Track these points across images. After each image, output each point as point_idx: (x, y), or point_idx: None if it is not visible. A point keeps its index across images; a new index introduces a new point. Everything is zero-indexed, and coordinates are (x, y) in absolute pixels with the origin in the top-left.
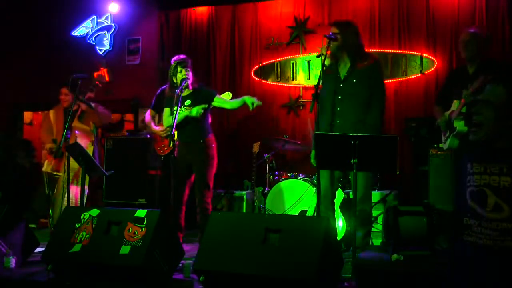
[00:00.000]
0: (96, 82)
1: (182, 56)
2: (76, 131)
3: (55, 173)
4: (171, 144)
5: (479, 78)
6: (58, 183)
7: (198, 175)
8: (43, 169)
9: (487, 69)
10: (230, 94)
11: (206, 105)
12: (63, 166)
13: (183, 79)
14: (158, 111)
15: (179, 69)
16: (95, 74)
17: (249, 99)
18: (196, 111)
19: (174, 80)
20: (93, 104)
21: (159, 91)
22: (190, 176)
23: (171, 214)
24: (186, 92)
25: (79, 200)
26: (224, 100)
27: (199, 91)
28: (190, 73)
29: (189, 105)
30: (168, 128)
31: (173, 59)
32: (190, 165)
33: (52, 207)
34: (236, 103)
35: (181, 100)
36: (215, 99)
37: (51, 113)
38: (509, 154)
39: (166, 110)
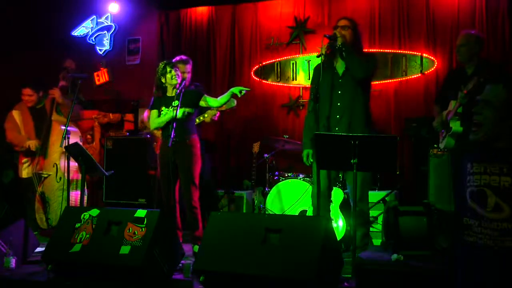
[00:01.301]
0: (68, 68)
1: (183, 57)
2: (62, 126)
3: (44, 172)
4: (171, 144)
5: (472, 80)
6: (48, 182)
7: (184, 175)
8: (23, 175)
9: (484, 69)
10: (234, 101)
11: (192, 110)
12: (48, 164)
13: (183, 79)
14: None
15: (168, 69)
16: (67, 63)
17: (235, 89)
18: (181, 113)
19: (163, 81)
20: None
21: None
22: (177, 175)
23: (171, 214)
24: (174, 93)
25: (78, 202)
26: (212, 98)
27: (187, 92)
28: (180, 74)
29: (176, 106)
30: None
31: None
32: (175, 164)
33: (48, 206)
34: (223, 98)
35: (167, 101)
36: (202, 99)
37: (15, 113)
38: (509, 154)
39: (154, 112)
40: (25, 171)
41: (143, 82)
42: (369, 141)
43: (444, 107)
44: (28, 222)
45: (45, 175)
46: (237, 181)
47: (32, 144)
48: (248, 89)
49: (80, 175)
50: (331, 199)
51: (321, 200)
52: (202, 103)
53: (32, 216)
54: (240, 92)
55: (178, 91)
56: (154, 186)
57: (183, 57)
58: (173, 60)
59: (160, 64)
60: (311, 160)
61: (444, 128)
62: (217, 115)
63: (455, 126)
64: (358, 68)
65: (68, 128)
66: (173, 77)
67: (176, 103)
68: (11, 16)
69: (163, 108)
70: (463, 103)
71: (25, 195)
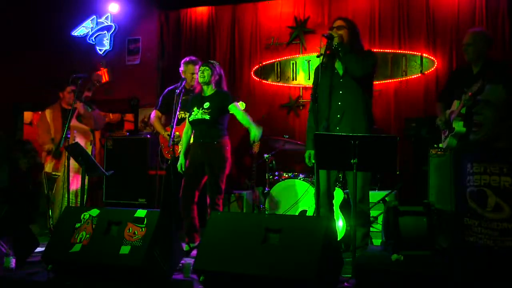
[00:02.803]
0: (94, 81)
1: (192, 58)
2: (75, 131)
3: (53, 173)
4: (171, 143)
5: (477, 82)
6: (57, 183)
7: (211, 177)
8: (46, 169)
9: (490, 70)
10: (244, 104)
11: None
12: (61, 166)
13: (182, 80)
14: (164, 112)
15: (200, 68)
16: (94, 73)
17: (254, 131)
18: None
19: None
20: (89, 109)
21: (166, 91)
22: (202, 177)
23: (174, 214)
24: (208, 93)
25: (79, 188)
26: (238, 110)
27: (219, 95)
28: (210, 74)
29: (207, 108)
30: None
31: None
32: (203, 165)
33: (51, 207)
34: (246, 121)
35: (199, 100)
36: (229, 107)
37: (48, 112)
38: (509, 154)
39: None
40: (46, 166)
41: (143, 82)
42: (369, 141)
43: (447, 105)
44: (38, 220)
45: (55, 176)
46: (237, 181)
47: (49, 147)
48: (257, 144)
49: (79, 178)
50: None
51: (324, 200)
52: (230, 109)
53: (44, 214)
54: (255, 137)
55: (177, 90)
56: (155, 186)
57: (192, 57)
58: (182, 60)
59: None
60: (313, 161)
61: (447, 128)
62: None
63: (458, 126)
64: (355, 67)
65: (82, 133)
66: (195, 77)
67: (207, 105)
68: (11, 16)
69: (195, 108)
70: (468, 105)
71: (42, 193)
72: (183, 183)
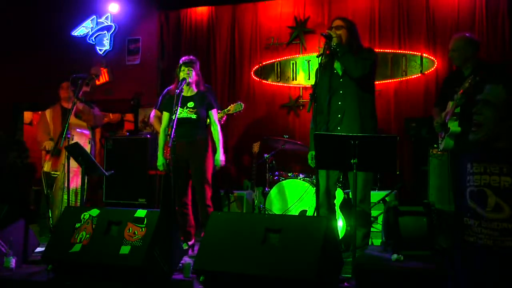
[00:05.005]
0: (92, 75)
1: (191, 57)
2: (77, 129)
3: (52, 172)
4: (171, 143)
5: (467, 79)
6: (56, 182)
7: (196, 173)
8: (44, 169)
9: (480, 70)
10: (242, 105)
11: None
12: (60, 165)
13: (183, 79)
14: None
15: (182, 68)
16: (93, 67)
17: (218, 156)
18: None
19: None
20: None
21: (165, 91)
22: (189, 175)
23: (174, 214)
24: (190, 93)
25: (79, 187)
26: (214, 120)
27: (203, 96)
28: (194, 74)
29: (192, 107)
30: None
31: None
32: (188, 163)
33: (51, 207)
34: (216, 136)
35: (181, 100)
36: (209, 112)
37: (48, 112)
38: (509, 154)
39: (166, 115)
40: (45, 165)
41: (143, 82)
42: (369, 141)
43: (443, 109)
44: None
45: (54, 175)
46: (237, 181)
47: (47, 144)
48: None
49: (79, 177)
50: None
51: (324, 200)
52: (209, 115)
53: (46, 214)
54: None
55: (177, 90)
56: (155, 186)
57: (191, 57)
58: (181, 60)
59: (181, 62)
60: None
61: (443, 129)
62: (224, 118)
63: (453, 126)
64: (353, 68)
65: (81, 131)
66: (185, 76)
67: (191, 104)
68: (11, 16)
69: (180, 108)
70: (460, 103)
71: (42, 192)
72: (173, 182)
